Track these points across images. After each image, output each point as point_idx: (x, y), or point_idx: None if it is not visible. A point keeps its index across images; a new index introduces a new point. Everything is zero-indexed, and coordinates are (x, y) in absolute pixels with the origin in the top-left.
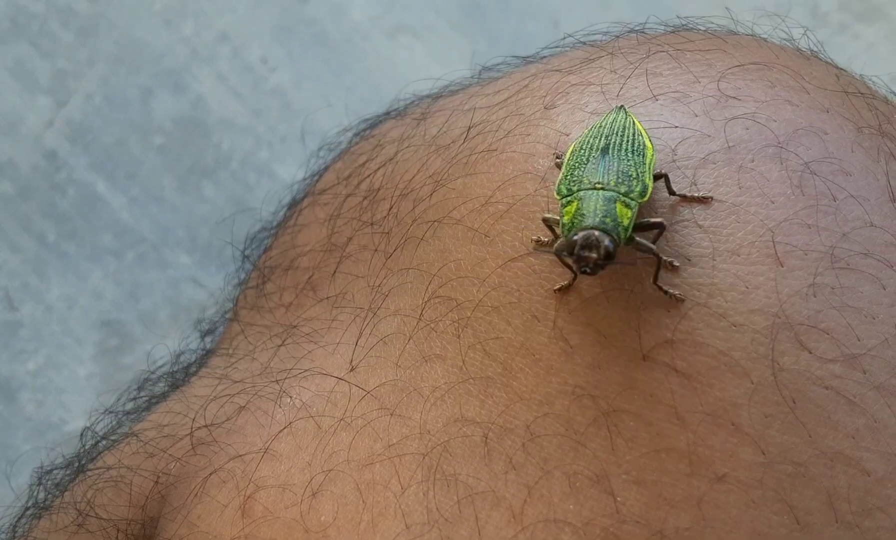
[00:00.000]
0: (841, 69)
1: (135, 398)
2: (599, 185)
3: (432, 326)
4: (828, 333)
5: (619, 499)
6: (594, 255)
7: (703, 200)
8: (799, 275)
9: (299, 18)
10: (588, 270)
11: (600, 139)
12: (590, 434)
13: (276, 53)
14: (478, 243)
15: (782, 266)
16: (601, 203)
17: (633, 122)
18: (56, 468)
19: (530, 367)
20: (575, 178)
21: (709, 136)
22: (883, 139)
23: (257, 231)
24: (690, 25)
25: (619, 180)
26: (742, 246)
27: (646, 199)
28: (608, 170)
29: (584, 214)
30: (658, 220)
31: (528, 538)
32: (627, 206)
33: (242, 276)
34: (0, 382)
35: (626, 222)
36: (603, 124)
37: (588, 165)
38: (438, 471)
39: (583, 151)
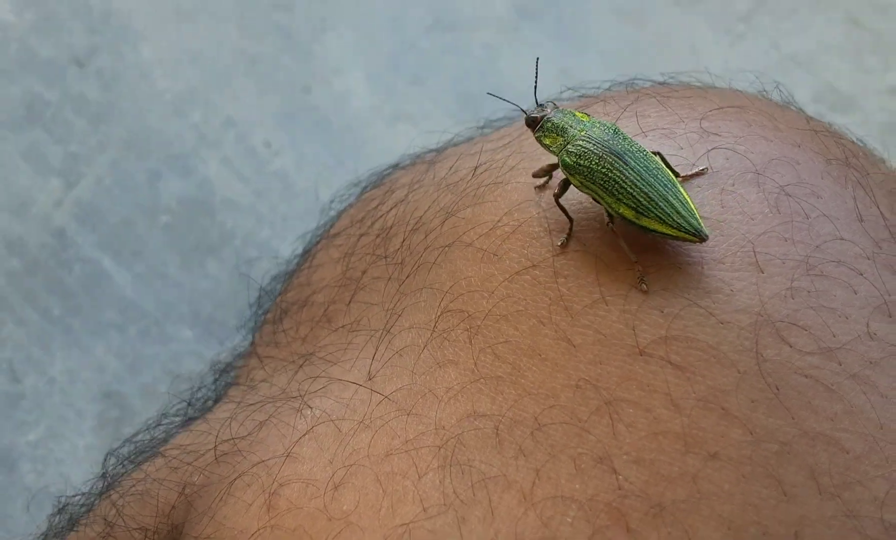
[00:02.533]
0: (810, 116)
1: (155, 427)
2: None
3: (445, 335)
4: (806, 329)
5: (620, 476)
6: None
7: (699, 173)
8: (778, 280)
9: (302, 106)
10: None
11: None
12: (593, 421)
13: (279, 138)
14: (486, 262)
15: (763, 272)
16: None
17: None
18: (78, 494)
19: (537, 365)
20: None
21: (693, 164)
22: (849, 169)
23: (270, 280)
24: (673, 80)
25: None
26: (726, 255)
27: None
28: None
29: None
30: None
31: (537, 515)
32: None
33: (255, 323)
34: (1, 453)
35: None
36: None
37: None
38: (453, 460)
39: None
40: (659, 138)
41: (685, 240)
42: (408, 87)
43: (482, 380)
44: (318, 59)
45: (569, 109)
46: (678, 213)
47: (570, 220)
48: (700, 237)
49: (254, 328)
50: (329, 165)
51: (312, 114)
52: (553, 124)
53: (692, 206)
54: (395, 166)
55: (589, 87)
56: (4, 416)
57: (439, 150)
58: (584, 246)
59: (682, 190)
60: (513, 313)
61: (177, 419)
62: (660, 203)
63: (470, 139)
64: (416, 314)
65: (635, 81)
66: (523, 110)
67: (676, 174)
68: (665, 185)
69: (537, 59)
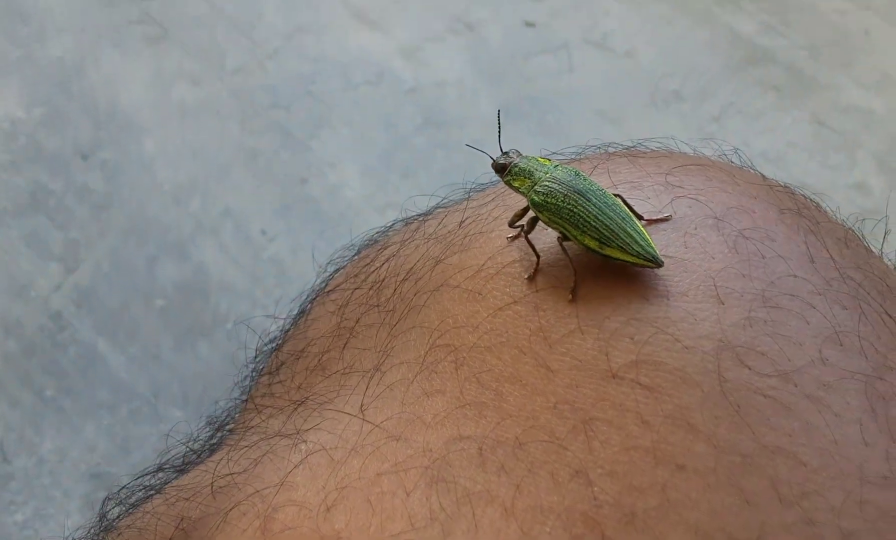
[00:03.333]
0: (766, 176)
1: (153, 475)
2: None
3: (433, 367)
4: (763, 354)
5: (596, 488)
6: None
7: (664, 219)
8: (737, 310)
9: (299, 197)
10: None
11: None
12: (569, 439)
13: (275, 226)
14: (472, 300)
15: (723, 303)
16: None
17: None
18: (79, 528)
19: (518, 390)
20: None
21: (659, 211)
22: (801, 218)
23: (266, 343)
24: (642, 146)
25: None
26: (689, 289)
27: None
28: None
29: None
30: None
31: (518, 526)
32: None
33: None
34: None
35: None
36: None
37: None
38: (439, 478)
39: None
40: (628, 190)
41: (644, 266)
42: (399, 180)
43: (467, 406)
44: (314, 153)
45: (531, 156)
46: (636, 242)
47: (538, 256)
48: (657, 263)
49: (250, 383)
50: (323, 252)
51: (308, 204)
52: (520, 169)
53: (647, 236)
54: (388, 228)
55: (568, 149)
56: None
57: (429, 212)
58: (561, 282)
59: (636, 223)
60: (496, 345)
61: (176, 463)
62: (620, 234)
63: (457, 202)
64: (406, 352)
65: (609, 146)
66: (490, 157)
67: (640, 217)
68: (623, 218)
69: (499, 111)
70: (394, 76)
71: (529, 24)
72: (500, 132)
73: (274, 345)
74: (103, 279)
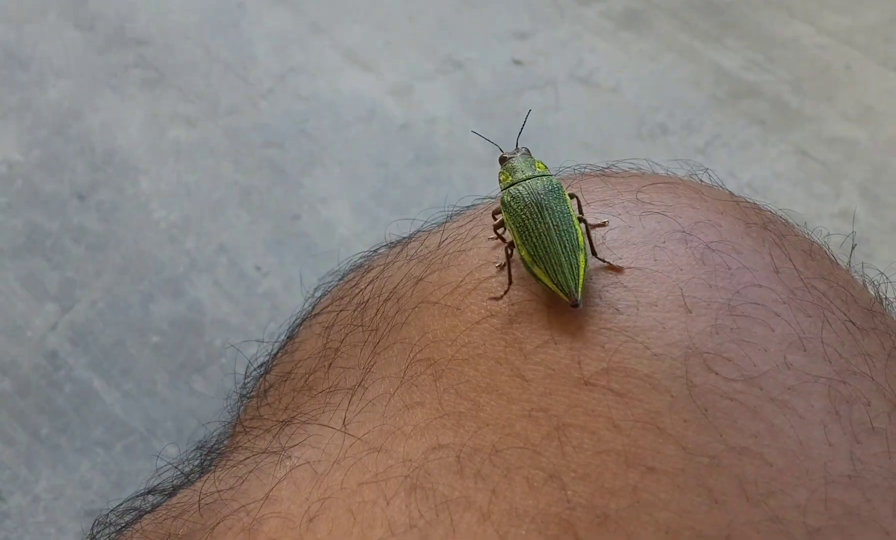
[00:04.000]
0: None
1: (143, 496)
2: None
3: (412, 381)
4: (730, 360)
5: (569, 491)
6: None
7: (619, 270)
8: (704, 319)
9: (291, 233)
10: None
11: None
12: (544, 445)
13: (268, 262)
14: (450, 315)
15: (690, 312)
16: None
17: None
18: None
19: (494, 400)
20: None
21: (630, 226)
22: (766, 232)
23: (255, 368)
24: (615, 167)
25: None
26: (658, 299)
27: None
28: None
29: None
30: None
31: (494, 530)
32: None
33: (240, 404)
34: None
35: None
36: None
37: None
38: (418, 486)
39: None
40: (600, 206)
41: (560, 297)
42: (390, 215)
43: (445, 416)
44: (306, 190)
45: (533, 159)
46: (563, 273)
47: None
48: (572, 300)
49: (238, 407)
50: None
51: (301, 239)
52: (511, 165)
53: (582, 275)
54: (373, 252)
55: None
56: None
57: (411, 235)
58: (535, 295)
59: (582, 261)
60: (473, 357)
61: (166, 487)
62: (552, 260)
63: (439, 223)
64: (388, 367)
65: (584, 168)
66: (500, 148)
67: (585, 221)
68: (566, 249)
69: (529, 111)
70: (385, 114)
71: (517, 63)
72: (521, 131)
73: (262, 369)
74: (98, 317)
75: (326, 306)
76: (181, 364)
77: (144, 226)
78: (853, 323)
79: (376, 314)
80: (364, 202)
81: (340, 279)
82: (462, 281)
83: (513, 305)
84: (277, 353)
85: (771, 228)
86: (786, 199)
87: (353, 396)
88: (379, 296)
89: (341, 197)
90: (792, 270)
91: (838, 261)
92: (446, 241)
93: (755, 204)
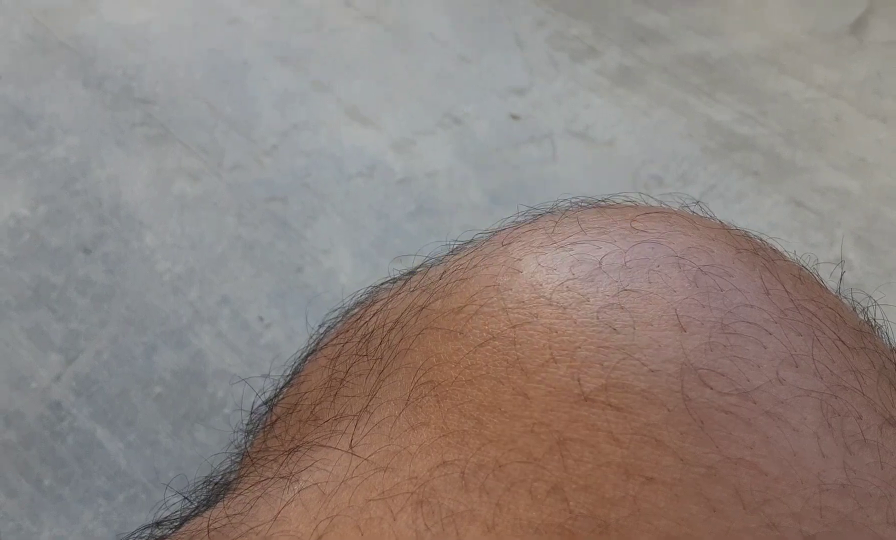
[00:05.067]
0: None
1: (151, 528)
2: None
3: (417, 403)
4: (724, 375)
5: (571, 502)
6: None
7: None
8: (698, 337)
9: (294, 284)
10: None
11: None
12: (546, 458)
13: (271, 313)
14: (453, 339)
15: (685, 331)
16: None
17: None
18: None
19: (497, 418)
20: None
21: (624, 251)
22: (757, 257)
23: (261, 404)
24: (611, 199)
25: None
26: (654, 319)
27: None
28: None
29: None
30: None
31: None
32: None
33: (247, 439)
34: None
35: None
36: None
37: None
38: (424, 502)
39: None
40: (596, 235)
41: None
42: (392, 264)
43: (450, 434)
44: (309, 242)
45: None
46: None
47: None
48: None
49: (245, 442)
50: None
51: (304, 290)
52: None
53: None
54: (377, 287)
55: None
56: None
57: (413, 270)
58: (535, 317)
59: None
60: (476, 378)
61: (173, 518)
62: None
63: (440, 257)
64: (393, 391)
65: (581, 201)
66: None
67: None
68: None
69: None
70: (386, 167)
71: (514, 117)
72: None
73: (268, 405)
74: (103, 367)
75: (331, 340)
76: (184, 415)
77: (149, 278)
78: (843, 342)
79: (381, 343)
80: (365, 251)
81: (345, 314)
82: (464, 306)
83: (513, 327)
84: (283, 387)
85: (761, 254)
86: (781, 249)
87: (358, 420)
88: (383, 326)
89: (343, 247)
90: (782, 291)
91: (827, 286)
92: (448, 272)
93: (746, 232)
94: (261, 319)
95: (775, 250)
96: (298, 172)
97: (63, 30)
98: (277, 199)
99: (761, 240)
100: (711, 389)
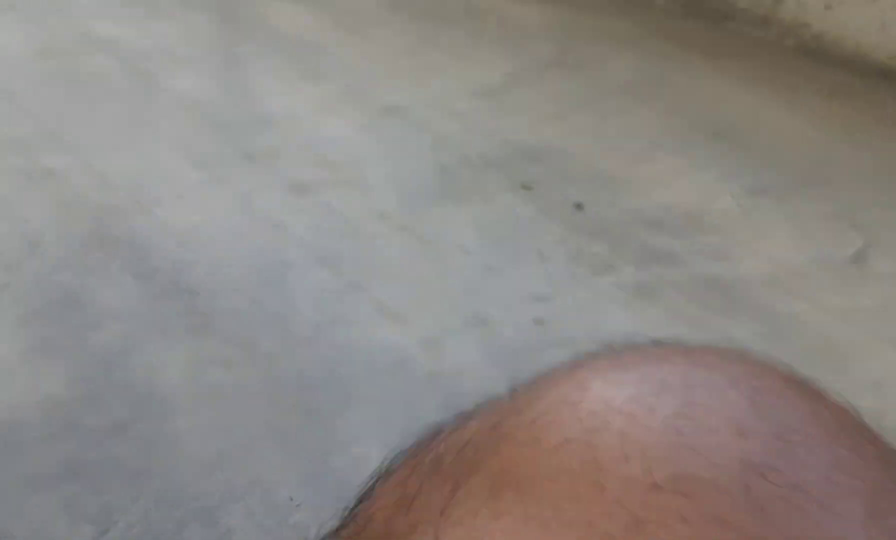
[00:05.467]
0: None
1: None
2: None
3: (497, 496)
4: (779, 471)
5: None
6: None
7: None
8: (756, 441)
9: (324, 468)
10: None
11: None
12: (623, 536)
13: (302, 494)
14: (529, 446)
15: (744, 437)
16: None
17: None
18: None
19: (575, 505)
20: None
21: (685, 374)
22: (804, 387)
23: (326, 535)
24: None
25: None
26: (716, 427)
27: None
28: None
29: None
30: None
31: None
32: None
33: None
34: None
35: None
36: None
37: None
38: None
39: None
40: (657, 360)
41: None
42: None
43: (531, 520)
44: (339, 430)
45: None
46: None
47: None
48: None
49: None
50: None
51: (334, 474)
52: None
53: None
54: (438, 424)
55: None
56: None
57: (478, 405)
58: (607, 424)
59: None
60: (553, 474)
61: None
62: None
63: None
64: (471, 493)
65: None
66: None
67: None
68: None
69: None
70: (414, 363)
71: (538, 322)
72: None
73: (334, 532)
74: None
75: (401, 465)
76: None
77: (180, 459)
78: (884, 458)
79: (454, 461)
80: (394, 442)
81: (412, 444)
82: (537, 418)
83: (588, 432)
84: (349, 513)
85: (807, 385)
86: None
87: (438, 520)
88: (455, 447)
89: (372, 438)
90: (829, 416)
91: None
92: (518, 396)
93: (790, 366)
94: (291, 498)
95: (818, 387)
96: (330, 364)
97: (120, 227)
98: (309, 389)
99: (804, 377)
100: (769, 482)
